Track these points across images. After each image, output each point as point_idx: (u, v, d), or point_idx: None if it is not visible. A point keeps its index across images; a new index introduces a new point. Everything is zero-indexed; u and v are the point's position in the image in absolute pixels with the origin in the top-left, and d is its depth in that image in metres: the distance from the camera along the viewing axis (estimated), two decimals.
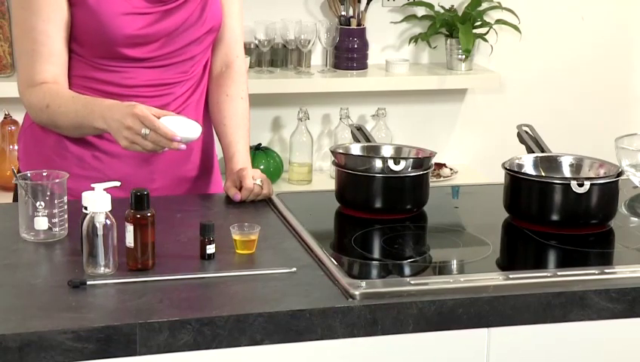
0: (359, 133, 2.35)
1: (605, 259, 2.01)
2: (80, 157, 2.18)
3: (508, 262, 2.00)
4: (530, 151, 2.30)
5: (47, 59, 2.12)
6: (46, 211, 1.90)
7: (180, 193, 2.25)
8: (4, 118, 3.52)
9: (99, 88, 2.15)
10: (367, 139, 2.32)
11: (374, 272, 1.92)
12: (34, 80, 2.13)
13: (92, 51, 2.15)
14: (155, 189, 2.13)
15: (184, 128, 1.99)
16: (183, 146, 1.99)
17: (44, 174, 1.96)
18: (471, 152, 3.99)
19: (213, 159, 2.35)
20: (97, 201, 1.74)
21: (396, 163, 2.08)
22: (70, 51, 2.16)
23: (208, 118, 2.30)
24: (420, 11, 3.82)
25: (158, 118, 1.97)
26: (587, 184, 2.02)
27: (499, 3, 3.80)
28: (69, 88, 2.15)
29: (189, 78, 2.23)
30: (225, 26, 2.28)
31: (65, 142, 2.18)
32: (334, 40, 3.67)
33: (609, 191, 2.06)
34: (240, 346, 1.63)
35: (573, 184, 2.02)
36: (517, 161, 2.18)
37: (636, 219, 2.24)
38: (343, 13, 3.72)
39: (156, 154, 2.16)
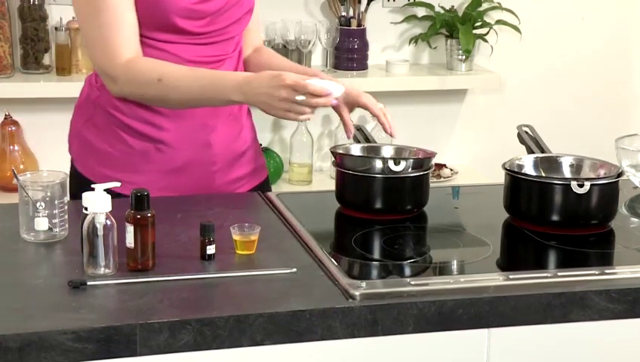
0: (359, 133, 2.35)
1: (605, 260, 2.01)
2: (145, 151, 2.21)
3: (508, 262, 2.00)
4: (530, 151, 2.30)
5: (128, 31, 2.12)
6: (46, 211, 1.90)
7: (236, 169, 2.30)
8: (5, 118, 3.51)
9: None
10: (368, 140, 2.32)
11: (374, 273, 1.92)
12: (121, 53, 2.11)
13: (145, 24, 2.15)
14: (216, 171, 2.25)
15: (330, 86, 2.05)
16: (335, 101, 2.07)
17: (45, 174, 1.96)
18: (471, 153, 3.99)
19: (255, 132, 2.40)
20: (98, 202, 1.74)
21: (396, 163, 2.08)
22: None
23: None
24: (420, 12, 3.82)
25: None
26: (587, 184, 2.01)
27: (499, 3, 3.80)
28: None
29: (231, 56, 2.26)
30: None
31: (127, 140, 2.20)
32: (334, 40, 3.67)
33: (609, 191, 2.06)
34: (240, 346, 1.63)
35: (574, 184, 2.02)
36: (517, 162, 2.18)
37: (636, 219, 2.24)
38: (343, 13, 3.72)
39: (213, 135, 2.23)
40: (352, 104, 2.27)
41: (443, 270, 1.97)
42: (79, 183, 2.18)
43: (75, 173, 2.26)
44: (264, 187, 2.39)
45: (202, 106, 2.18)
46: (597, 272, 1.83)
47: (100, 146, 2.23)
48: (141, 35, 2.15)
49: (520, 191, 2.09)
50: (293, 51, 3.66)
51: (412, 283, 1.75)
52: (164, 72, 2.11)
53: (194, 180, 2.24)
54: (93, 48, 2.17)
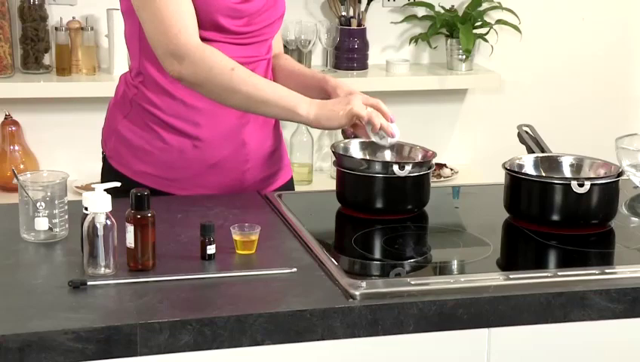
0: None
1: (606, 259, 2.01)
2: (181, 148, 2.22)
3: (508, 262, 2.00)
4: (530, 151, 2.30)
5: (193, 16, 2.13)
6: (46, 211, 1.90)
7: (265, 168, 2.32)
8: (5, 118, 3.51)
9: None
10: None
11: (375, 272, 1.92)
12: (192, 34, 2.12)
13: None
14: (247, 170, 2.27)
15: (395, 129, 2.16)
16: (394, 136, 2.15)
17: (45, 174, 1.96)
18: (471, 152, 3.99)
19: (280, 132, 2.41)
20: (98, 202, 1.74)
21: (401, 168, 2.08)
22: None
23: None
24: (421, 11, 3.82)
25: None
26: (587, 184, 2.01)
27: (499, 3, 3.81)
28: None
29: (264, 59, 2.28)
30: None
31: (164, 137, 2.21)
32: (335, 40, 3.67)
33: (609, 191, 2.06)
34: (241, 346, 1.63)
35: (574, 184, 2.02)
36: (517, 161, 2.18)
37: (636, 219, 2.24)
38: (344, 13, 3.72)
39: (247, 133, 2.25)
40: None
41: (443, 270, 1.97)
42: (114, 180, 2.18)
43: (110, 171, 2.26)
44: (289, 186, 2.41)
45: (260, 110, 2.15)
46: (597, 272, 1.83)
47: (137, 143, 2.23)
48: None
49: (520, 190, 2.09)
50: (294, 51, 3.66)
51: (412, 282, 1.75)
52: (237, 65, 2.12)
53: (226, 178, 2.26)
54: (159, 27, 2.11)
